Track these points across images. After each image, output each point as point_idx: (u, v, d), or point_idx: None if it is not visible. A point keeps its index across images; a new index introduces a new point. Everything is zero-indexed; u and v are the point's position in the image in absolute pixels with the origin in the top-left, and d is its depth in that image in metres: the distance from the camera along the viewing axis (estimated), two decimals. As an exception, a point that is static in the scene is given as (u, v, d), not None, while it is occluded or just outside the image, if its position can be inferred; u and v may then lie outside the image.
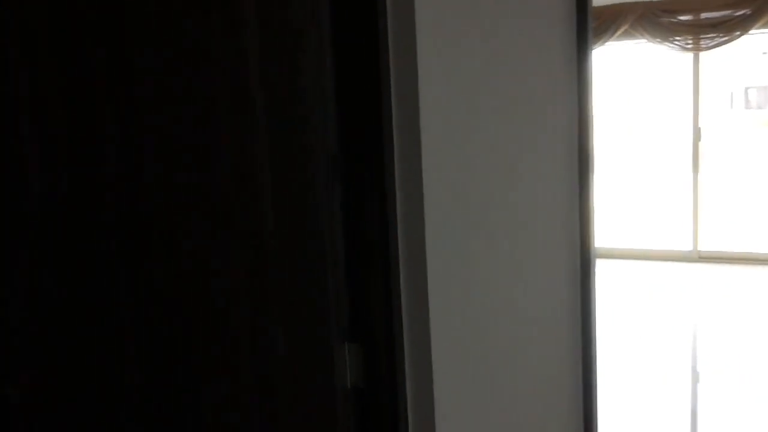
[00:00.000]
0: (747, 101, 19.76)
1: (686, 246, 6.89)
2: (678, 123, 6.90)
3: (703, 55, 6.60)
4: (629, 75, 6.91)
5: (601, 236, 7.08)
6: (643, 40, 6.65)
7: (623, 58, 6.81)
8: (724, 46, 6.38)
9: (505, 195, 1.55)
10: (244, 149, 1.24)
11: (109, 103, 1.33)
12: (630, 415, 3.60)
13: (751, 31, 6.22)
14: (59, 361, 1.41)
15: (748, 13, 6.14)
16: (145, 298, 1.33)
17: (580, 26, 1.94)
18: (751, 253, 6.78)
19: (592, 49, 2.06)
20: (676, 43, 6.53)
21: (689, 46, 6.52)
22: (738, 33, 6.24)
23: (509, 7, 1.57)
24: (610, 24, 6.55)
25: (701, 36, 6.44)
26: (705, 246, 6.82)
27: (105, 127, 1.33)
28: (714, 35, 6.38)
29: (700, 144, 6.72)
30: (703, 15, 6.42)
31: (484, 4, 1.46)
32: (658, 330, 4.91)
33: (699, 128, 6.70)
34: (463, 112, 1.38)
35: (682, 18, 6.45)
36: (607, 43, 6.63)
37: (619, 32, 6.56)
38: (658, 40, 6.54)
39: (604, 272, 6.36)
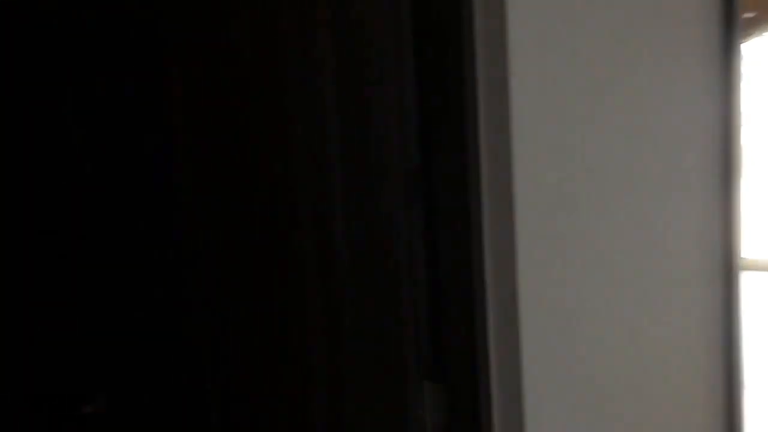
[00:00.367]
0: None
1: None
2: None
3: None
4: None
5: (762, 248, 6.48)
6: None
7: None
8: None
9: (619, 209, 1.35)
10: (316, 163, 1.13)
11: (187, 114, 1.26)
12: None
13: None
14: (134, 378, 1.37)
15: None
16: (217, 321, 1.26)
17: (727, 14, 1.70)
18: None
19: (740, 41, 1.80)
20: None
21: None
22: None
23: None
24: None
25: None
26: None
27: (179, 138, 1.27)
28: None
29: None
30: None
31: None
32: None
33: None
34: (566, 115, 1.20)
35: None
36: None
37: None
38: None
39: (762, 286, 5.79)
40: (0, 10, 1.32)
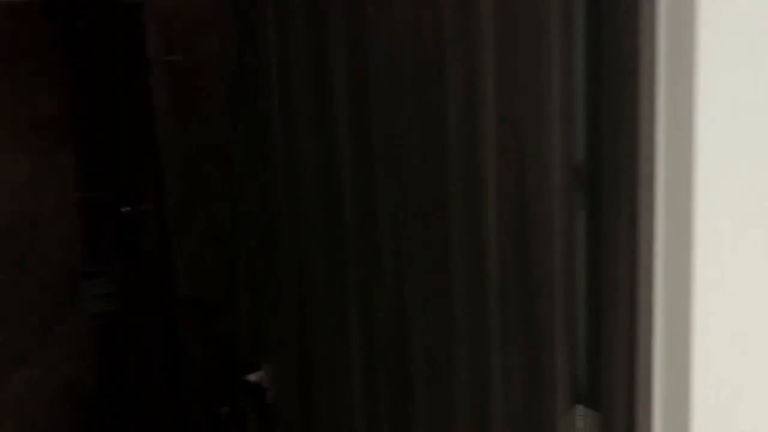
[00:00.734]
0: None
1: None
2: None
3: None
4: None
5: None
6: None
7: None
8: None
9: None
10: (467, 154, 1.04)
11: (347, 105, 1.22)
12: None
13: None
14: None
15: None
16: (370, 327, 1.23)
17: None
18: None
19: None
20: None
21: None
22: None
23: None
24: None
25: None
26: None
27: (342, 133, 1.24)
28: None
29: None
30: None
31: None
32: None
33: None
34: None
35: None
36: None
37: None
38: None
39: None
40: None
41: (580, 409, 1.00)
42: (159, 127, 2.22)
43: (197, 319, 2.29)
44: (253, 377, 1.43)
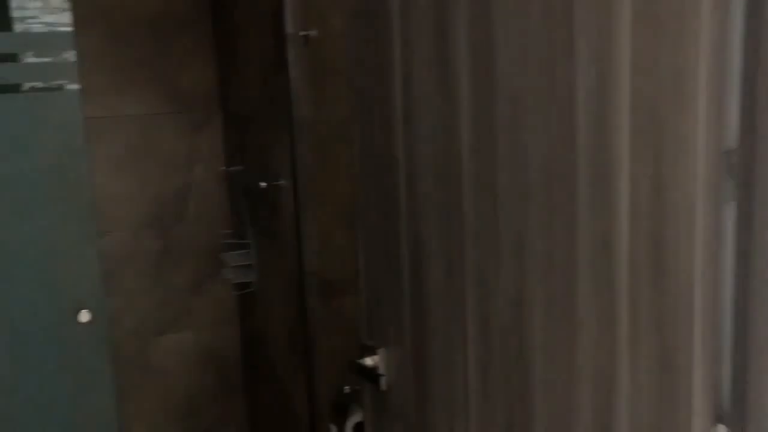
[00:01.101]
0: None
1: None
2: None
3: None
4: None
5: None
6: None
7: None
8: None
9: None
10: (599, 142, 0.93)
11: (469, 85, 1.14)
12: None
13: None
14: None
15: None
16: (485, 305, 1.14)
17: None
18: None
19: None
20: None
21: None
22: None
23: None
24: None
25: None
26: None
27: (463, 114, 1.15)
28: None
29: None
30: None
31: None
32: None
33: None
34: None
35: None
36: None
37: None
38: None
39: None
40: None
41: (721, 430, 0.88)
42: (294, 101, 2.22)
43: (324, 297, 2.29)
44: (369, 361, 1.39)
